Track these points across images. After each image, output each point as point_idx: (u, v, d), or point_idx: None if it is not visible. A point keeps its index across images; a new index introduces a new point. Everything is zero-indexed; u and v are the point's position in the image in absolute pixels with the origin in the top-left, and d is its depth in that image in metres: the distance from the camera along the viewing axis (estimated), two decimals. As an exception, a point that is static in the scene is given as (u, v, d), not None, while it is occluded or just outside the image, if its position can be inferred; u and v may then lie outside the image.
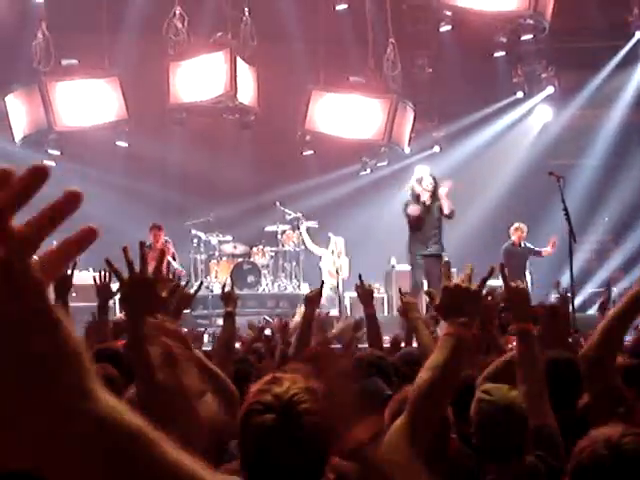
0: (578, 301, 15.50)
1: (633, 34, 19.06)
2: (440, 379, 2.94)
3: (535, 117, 20.77)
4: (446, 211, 13.96)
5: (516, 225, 16.38)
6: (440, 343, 3.21)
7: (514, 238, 16.27)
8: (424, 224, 13.96)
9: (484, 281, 3.34)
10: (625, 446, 2.42)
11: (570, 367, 4.64)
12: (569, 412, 4.63)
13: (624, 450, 2.41)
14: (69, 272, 5.64)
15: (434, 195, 14.02)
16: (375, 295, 17.26)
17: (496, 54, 17.81)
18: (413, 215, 13.88)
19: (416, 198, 14.12)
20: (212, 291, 16.37)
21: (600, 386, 3.54)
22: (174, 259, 14.59)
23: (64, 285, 5.61)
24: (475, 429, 3.74)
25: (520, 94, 20.29)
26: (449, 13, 15.86)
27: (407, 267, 18.01)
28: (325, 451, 2.32)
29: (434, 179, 14.29)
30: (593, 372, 3.59)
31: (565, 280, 14.03)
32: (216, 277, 17.53)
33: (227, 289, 6.21)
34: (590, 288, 18.32)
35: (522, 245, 16.22)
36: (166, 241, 14.73)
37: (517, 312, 3.97)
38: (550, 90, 20.04)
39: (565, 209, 12.80)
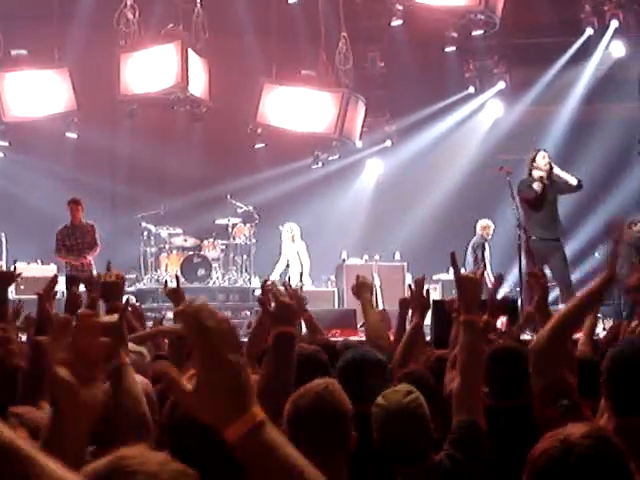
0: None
1: (584, 31, 19.17)
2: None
3: (486, 112, 20.88)
4: (574, 182, 12.81)
5: (485, 223, 16.44)
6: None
7: (481, 233, 16.36)
8: (543, 206, 12.76)
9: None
10: (582, 449, 2.41)
11: (516, 357, 4.67)
12: (514, 402, 4.66)
13: (580, 453, 2.40)
14: (11, 268, 5.58)
15: (550, 174, 12.83)
16: (326, 289, 17.25)
17: (447, 49, 17.86)
18: (537, 193, 12.62)
19: (532, 178, 12.83)
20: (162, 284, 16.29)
21: (547, 378, 3.54)
22: (96, 244, 14.34)
23: (3, 281, 5.53)
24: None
25: (471, 89, 20.41)
26: (400, 7, 15.88)
27: (358, 261, 18.11)
28: None
29: (549, 157, 13.04)
30: (541, 364, 3.60)
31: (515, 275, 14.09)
32: (166, 270, 17.48)
33: (171, 286, 6.09)
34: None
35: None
36: (92, 225, 14.50)
37: (466, 302, 3.96)
38: (501, 85, 20.16)
39: (514, 203, 12.93)
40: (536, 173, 12.75)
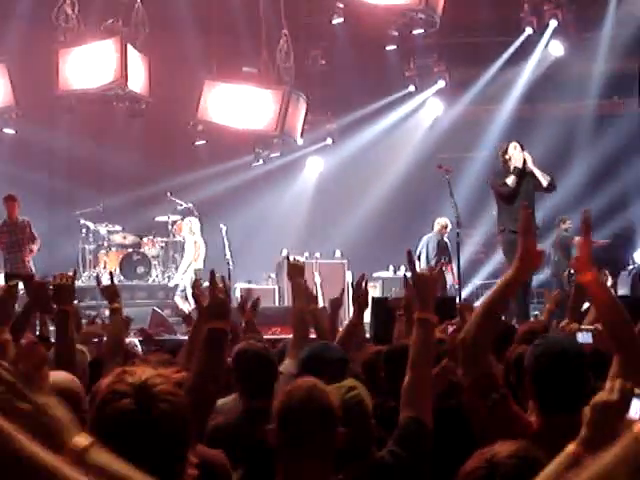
0: (465, 293, 15.73)
1: (523, 30, 19.32)
2: None
3: (426, 111, 21.01)
4: (545, 183, 12.47)
5: (444, 222, 16.42)
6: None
7: (439, 231, 16.38)
8: (517, 198, 12.35)
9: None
10: (506, 469, 2.44)
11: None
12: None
13: (504, 473, 2.43)
14: None
15: (525, 165, 12.50)
16: (267, 287, 17.20)
17: (388, 47, 17.91)
18: (511, 187, 12.35)
19: (506, 170, 12.55)
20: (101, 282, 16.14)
21: (476, 371, 3.56)
22: (33, 241, 14.17)
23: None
24: None
25: (412, 88, 20.51)
26: (342, 6, 15.90)
27: (299, 258, 18.07)
28: (183, 434, 2.30)
29: (522, 147, 12.68)
30: (470, 356, 3.62)
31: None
32: (105, 268, 17.33)
33: (105, 283, 6.00)
34: (478, 280, 18.60)
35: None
36: (28, 221, 14.31)
37: (421, 299, 3.97)
38: (441, 84, 20.29)
39: (453, 201, 13.02)
40: (512, 165, 12.43)
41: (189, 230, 17.13)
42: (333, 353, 4.81)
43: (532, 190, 12.46)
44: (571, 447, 2.57)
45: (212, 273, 3.95)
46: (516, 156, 12.44)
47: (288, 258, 6.44)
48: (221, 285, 3.88)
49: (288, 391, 3.32)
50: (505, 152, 12.61)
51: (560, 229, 16.34)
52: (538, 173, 12.46)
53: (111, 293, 5.76)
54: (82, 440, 1.80)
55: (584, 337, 5.26)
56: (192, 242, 16.97)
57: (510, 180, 12.33)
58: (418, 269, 4.12)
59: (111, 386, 2.31)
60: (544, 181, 12.43)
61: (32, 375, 1.81)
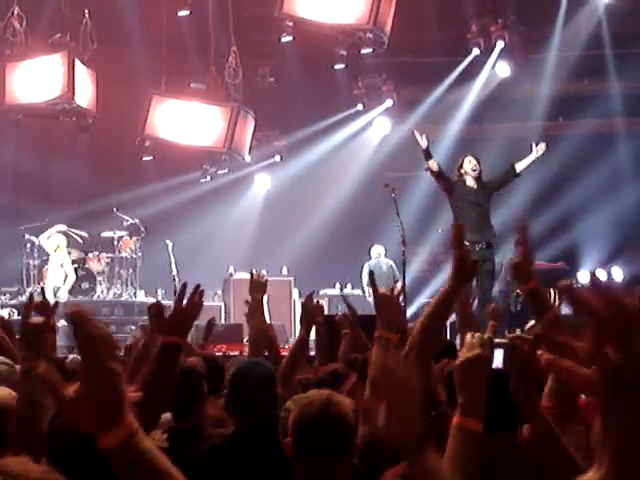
0: (411, 311, 15.78)
1: (471, 51, 19.52)
2: None
3: (374, 129, 21.09)
4: (511, 170, 12.94)
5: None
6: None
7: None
8: (473, 209, 12.51)
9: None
10: None
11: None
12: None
13: None
14: None
15: (479, 178, 12.66)
16: (213, 304, 17.12)
17: (337, 66, 17.95)
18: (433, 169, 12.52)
19: (462, 183, 12.67)
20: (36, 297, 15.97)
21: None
22: None
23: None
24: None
25: (360, 106, 20.60)
26: (290, 24, 15.92)
27: (246, 275, 18.03)
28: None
29: (478, 161, 12.80)
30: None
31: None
32: (49, 283, 17.17)
33: (38, 298, 5.74)
34: (423, 299, 18.66)
35: None
36: None
37: (382, 319, 3.99)
38: (389, 103, 20.39)
39: (399, 220, 13.08)
40: (467, 179, 12.63)
41: (56, 248, 17.01)
42: (261, 370, 4.80)
43: (488, 202, 12.73)
44: (455, 419, 2.67)
45: (184, 286, 3.92)
46: (469, 169, 12.62)
47: (252, 273, 6.37)
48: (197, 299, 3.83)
49: (304, 404, 3.34)
50: (460, 166, 12.73)
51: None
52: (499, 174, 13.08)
53: (45, 309, 5.41)
54: (134, 421, 1.90)
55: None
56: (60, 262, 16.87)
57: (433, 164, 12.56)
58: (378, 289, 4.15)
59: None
60: (510, 169, 12.98)
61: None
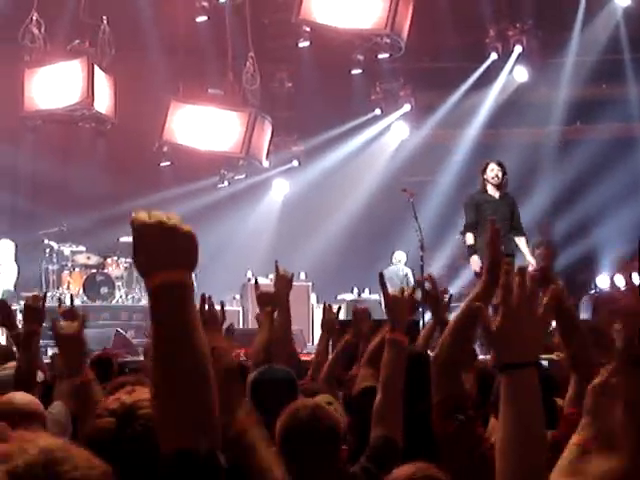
0: (428, 316, 15.73)
1: (488, 55, 19.51)
2: None
3: (392, 134, 21.06)
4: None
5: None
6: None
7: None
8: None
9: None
10: None
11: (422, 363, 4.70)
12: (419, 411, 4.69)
13: None
14: None
15: (501, 187, 12.48)
16: (231, 308, 17.11)
17: (354, 71, 17.99)
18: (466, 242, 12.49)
19: (484, 189, 12.56)
20: (64, 303, 16.03)
21: (446, 390, 3.56)
22: None
23: None
24: None
25: (377, 111, 20.57)
26: (308, 29, 15.95)
27: (264, 280, 18.02)
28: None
29: (502, 166, 12.59)
30: (438, 376, 3.62)
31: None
32: (68, 288, 17.21)
33: (65, 306, 5.75)
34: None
35: None
36: None
37: (393, 321, 4.01)
38: (407, 108, 20.37)
39: (417, 224, 13.07)
40: (489, 187, 12.48)
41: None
42: (282, 375, 4.84)
43: (508, 213, 12.50)
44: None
45: (203, 297, 3.93)
46: (490, 178, 12.43)
47: (277, 267, 6.30)
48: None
49: (292, 411, 3.36)
50: (484, 171, 12.58)
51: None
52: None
53: (72, 316, 5.41)
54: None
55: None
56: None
57: (469, 238, 12.36)
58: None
59: (107, 404, 2.47)
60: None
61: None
